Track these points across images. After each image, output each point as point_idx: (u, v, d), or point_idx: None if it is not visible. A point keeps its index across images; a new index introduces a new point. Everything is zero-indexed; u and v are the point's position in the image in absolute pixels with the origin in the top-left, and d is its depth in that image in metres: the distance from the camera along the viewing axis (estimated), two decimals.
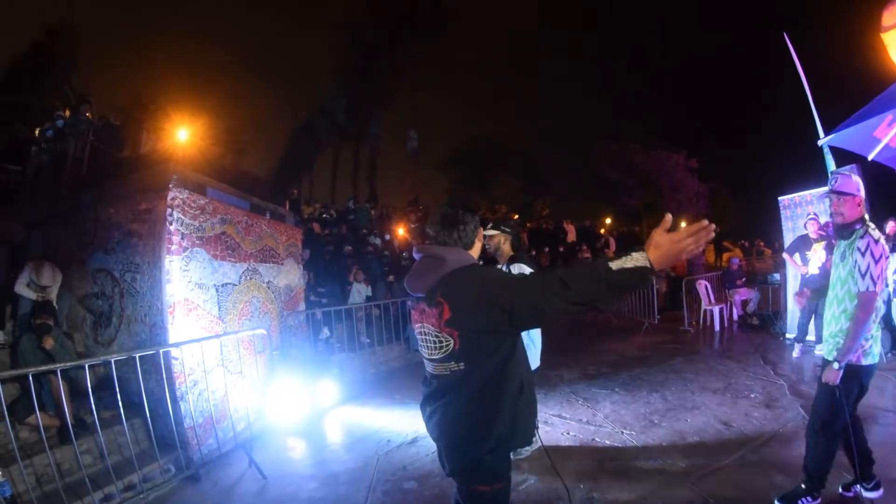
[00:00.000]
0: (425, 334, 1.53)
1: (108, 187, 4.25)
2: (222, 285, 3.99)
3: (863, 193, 2.30)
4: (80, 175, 5.00)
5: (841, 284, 2.28)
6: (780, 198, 6.52)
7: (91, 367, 3.01)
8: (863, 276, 2.14)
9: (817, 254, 5.12)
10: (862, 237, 2.19)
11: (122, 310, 3.83)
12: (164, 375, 3.31)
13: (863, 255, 2.15)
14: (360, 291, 6.41)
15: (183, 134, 6.83)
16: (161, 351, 3.29)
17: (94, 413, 2.96)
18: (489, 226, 2.93)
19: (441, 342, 1.48)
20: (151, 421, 3.23)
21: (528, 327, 1.62)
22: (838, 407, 2.24)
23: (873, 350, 2.23)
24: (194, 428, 3.54)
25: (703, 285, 7.82)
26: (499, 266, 3.04)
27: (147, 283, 3.62)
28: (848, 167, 4.93)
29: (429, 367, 1.59)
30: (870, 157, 3.92)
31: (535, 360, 3.14)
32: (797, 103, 5.97)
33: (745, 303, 7.78)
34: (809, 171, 5.86)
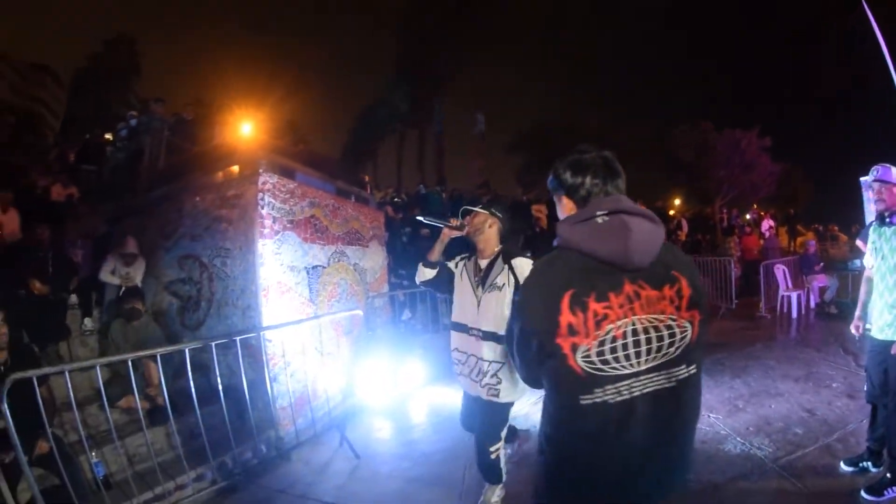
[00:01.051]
0: (635, 333, 1.10)
1: (190, 178, 4.70)
2: (312, 268, 4.40)
3: None
4: (157, 169, 5.51)
5: None
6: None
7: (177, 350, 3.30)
8: None
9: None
10: None
11: (211, 294, 4.27)
12: (264, 357, 3.71)
13: None
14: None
15: (247, 128, 7.31)
16: (261, 333, 3.66)
17: (193, 394, 3.22)
18: (478, 205, 2.59)
19: (674, 335, 1.13)
20: (244, 402, 3.53)
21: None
22: None
23: None
24: (286, 408, 3.91)
25: (781, 270, 7.85)
26: (480, 261, 2.56)
27: (239, 266, 4.04)
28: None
29: (616, 392, 1.11)
30: None
31: None
32: (883, 79, 5.87)
33: (822, 290, 7.69)
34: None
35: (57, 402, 3.08)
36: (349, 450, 3.67)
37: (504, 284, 2.42)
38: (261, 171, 3.94)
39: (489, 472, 2.61)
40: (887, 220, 2.63)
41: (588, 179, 1.22)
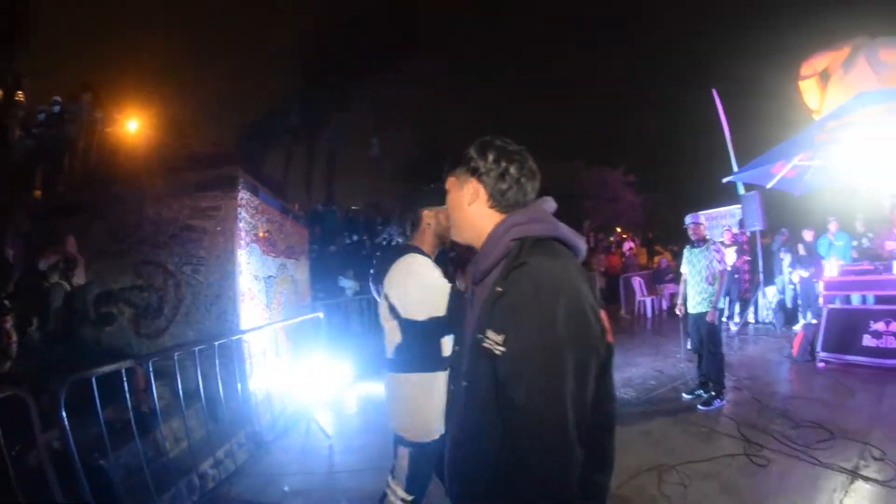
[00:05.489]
0: None
1: (150, 183, 5.45)
2: (267, 277, 5.57)
3: (705, 223, 5.48)
4: (89, 165, 5.97)
5: (704, 269, 5.17)
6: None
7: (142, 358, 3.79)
8: (720, 262, 5.07)
9: (728, 255, 8.44)
10: (714, 244, 5.16)
11: (177, 301, 5.15)
12: (243, 358, 4.79)
13: (717, 252, 5.10)
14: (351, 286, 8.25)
15: (133, 125, 7.94)
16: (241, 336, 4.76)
17: (181, 398, 3.84)
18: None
19: None
20: (218, 402, 4.29)
21: None
22: (720, 334, 5.15)
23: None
24: (258, 405, 4.93)
25: (637, 281, 11.16)
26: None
27: (214, 274, 5.05)
28: (750, 193, 8.28)
29: None
30: (768, 186, 7.26)
31: None
32: (720, 139, 9.40)
33: (673, 296, 10.91)
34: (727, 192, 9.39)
35: None
36: (320, 432, 4.95)
37: None
38: (240, 186, 5.07)
39: None
40: (695, 245, 5.32)
41: (514, 169, 1.30)
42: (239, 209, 5.06)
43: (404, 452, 2.32)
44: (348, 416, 5.60)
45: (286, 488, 3.87)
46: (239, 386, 4.71)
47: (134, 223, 5.31)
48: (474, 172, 1.33)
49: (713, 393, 5.03)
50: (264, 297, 5.47)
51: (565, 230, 1.29)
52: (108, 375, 3.17)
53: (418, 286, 2.10)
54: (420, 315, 2.07)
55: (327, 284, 8.46)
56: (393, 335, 2.22)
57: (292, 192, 19.39)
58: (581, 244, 1.33)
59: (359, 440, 4.79)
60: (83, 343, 4.58)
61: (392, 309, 2.19)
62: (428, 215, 2.30)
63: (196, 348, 4.14)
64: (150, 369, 3.62)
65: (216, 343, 4.30)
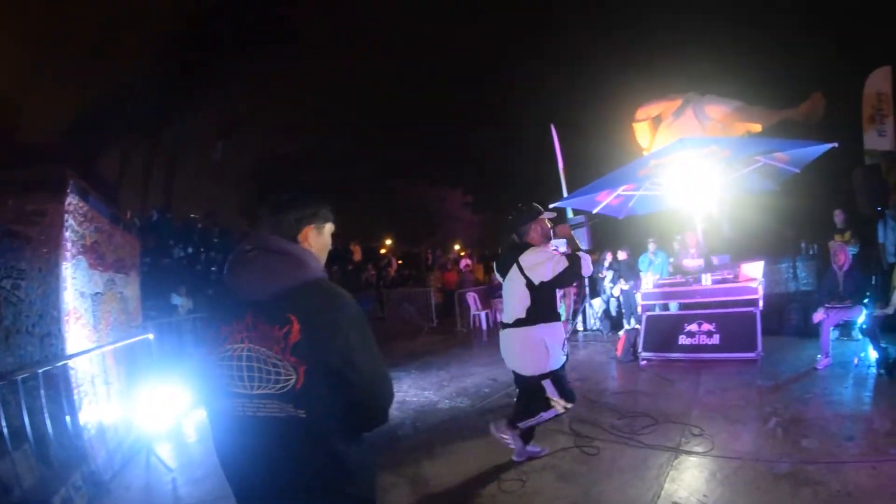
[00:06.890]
0: (249, 359, 1.47)
1: None
2: (94, 294, 5.08)
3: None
4: None
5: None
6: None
7: None
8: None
9: None
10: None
11: None
12: (70, 388, 4.32)
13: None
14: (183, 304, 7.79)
15: None
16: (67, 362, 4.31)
17: (6, 438, 3.50)
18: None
19: (279, 374, 1.46)
20: (47, 441, 3.95)
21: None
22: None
23: None
24: (90, 440, 4.49)
25: (471, 296, 12.49)
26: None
27: (37, 290, 4.43)
28: (578, 217, 9.88)
29: (233, 407, 1.50)
30: (594, 211, 8.40)
31: None
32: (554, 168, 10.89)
33: None
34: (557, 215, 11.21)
35: None
36: (160, 465, 4.77)
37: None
38: (69, 190, 4.56)
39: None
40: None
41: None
42: (66, 215, 4.55)
43: (548, 382, 3.94)
44: (188, 444, 5.44)
45: None
46: (68, 420, 4.28)
47: None
48: None
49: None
50: (91, 316, 4.98)
51: (230, 268, 1.57)
52: None
53: (547, 260, 3.73)
54: (548, 276, 3.68)
55: (158, 302, 7.99)
56: (523, 302, 3.77)
57: (126, 196, 17.40)
58: (232, 280, 1.56)
59: (202, 470, 4.63)
60: None
61: (529, 281, 3.74)
62: (534, 227, 3.94)
63: (19, 377, 3.76)
64: None
65: (40, 371, 3.93)
